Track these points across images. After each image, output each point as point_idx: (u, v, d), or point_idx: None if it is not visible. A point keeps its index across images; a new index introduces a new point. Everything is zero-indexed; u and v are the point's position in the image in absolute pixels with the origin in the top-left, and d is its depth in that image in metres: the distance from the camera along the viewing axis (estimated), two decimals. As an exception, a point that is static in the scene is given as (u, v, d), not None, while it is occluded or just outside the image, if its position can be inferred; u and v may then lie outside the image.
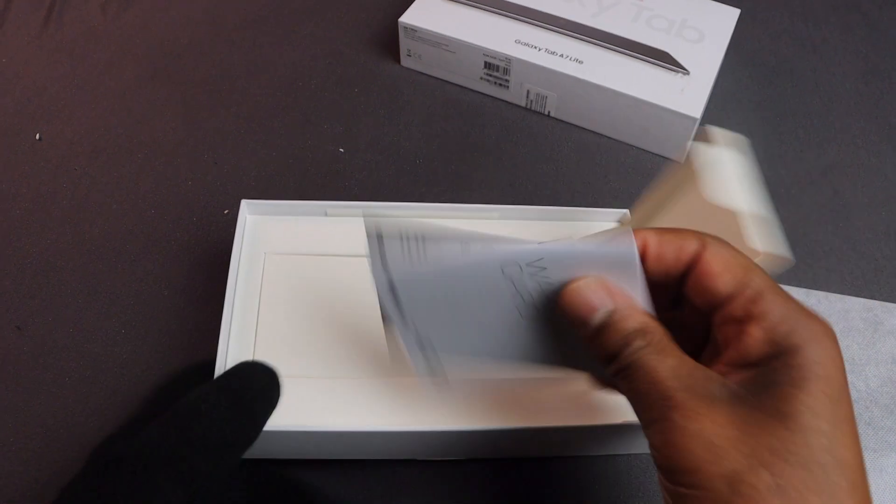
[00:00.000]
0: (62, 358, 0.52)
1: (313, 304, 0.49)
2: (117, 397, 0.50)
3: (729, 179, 0.36)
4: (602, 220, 0.53)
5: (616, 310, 0.28)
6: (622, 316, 0.28)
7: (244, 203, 0.51)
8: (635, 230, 0.30)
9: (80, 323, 0.54)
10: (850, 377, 0.50)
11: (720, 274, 0.28)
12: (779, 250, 0.33)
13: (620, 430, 0.44)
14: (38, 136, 0.66)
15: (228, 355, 0.45)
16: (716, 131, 0.39)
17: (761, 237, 0.33)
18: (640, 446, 0.48)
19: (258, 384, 0.36)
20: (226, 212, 0.60)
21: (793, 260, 0.33)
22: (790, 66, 0.72)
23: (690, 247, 0.29)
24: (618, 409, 0.45)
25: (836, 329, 0.54)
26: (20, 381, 0.51)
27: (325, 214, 0.52)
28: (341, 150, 0.65)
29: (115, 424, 0.49)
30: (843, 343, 0.51)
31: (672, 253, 0.29)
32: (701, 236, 0.30)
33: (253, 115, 0.67)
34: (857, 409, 0.49)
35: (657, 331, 0.28)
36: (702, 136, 0.40)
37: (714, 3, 0.71)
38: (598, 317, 0.28)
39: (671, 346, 0.28)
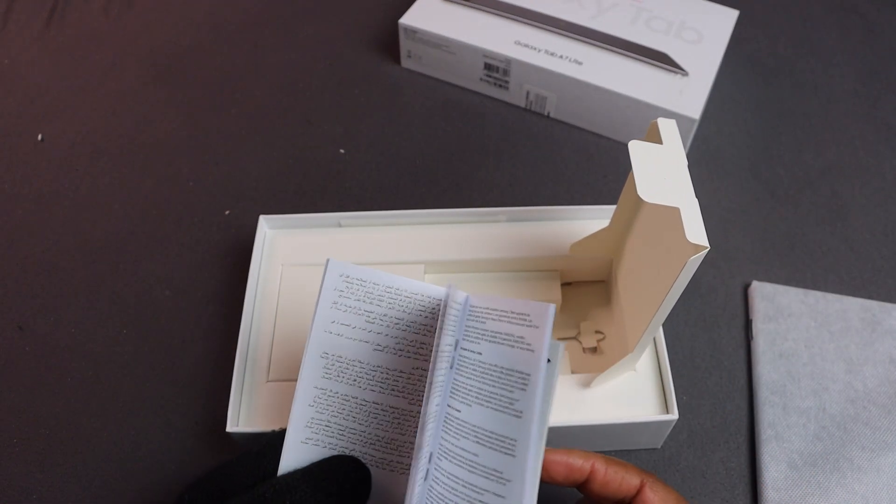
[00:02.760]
0: (64, 358, 0.52)
1: None
2: (119, 398, 0.50)
3: (661, 174, 0.37)
4: (600, 218, 0.53)
5: None
6: None
7: (262, 218, 0.53)
8: (587, 454, 0.35)
9: (81, 323, 0.54)
10: (847, 377, 0.51)
11: None
12: (705, 241, 0.34)
13: (621, 428, 0.45)
14: (40, 137, 0.66)
15: (247, 364, 0.47)
16: (662, 123, 0.39)
17: (692, 230, 0.34)
18: (640, 442, 0.48)
19: (349, 484, 0.35)
20: (227, 212, 0.60)
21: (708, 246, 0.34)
22: (789, 67, 0.73)
23: (633, 481, 0.35)
24: (617, 408, 0.45)
25: (834, 329, 0.54)
26: (22, 381, 0.51)
27: (339, 225, 0.53)
28: (342, 150, 0.65)
29: (116, 425, 0.49)
30: (840, 343, 0.52)
31: (616, 483, 0.35)
32: (642, 473, 0.35)
33: (254, 116, 0.68)
34: (855, 408, 0.49)
35: None
36: (649, 132, 0.41)
37: (713, 4, 0.71)
38: None
39: None
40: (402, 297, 0.37)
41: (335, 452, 0.36)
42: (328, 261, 0.37)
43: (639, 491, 0.35)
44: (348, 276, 0.37)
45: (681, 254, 0.35)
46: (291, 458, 0.35)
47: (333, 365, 0.36)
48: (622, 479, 0.35)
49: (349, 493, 0.34)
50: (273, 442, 0.36)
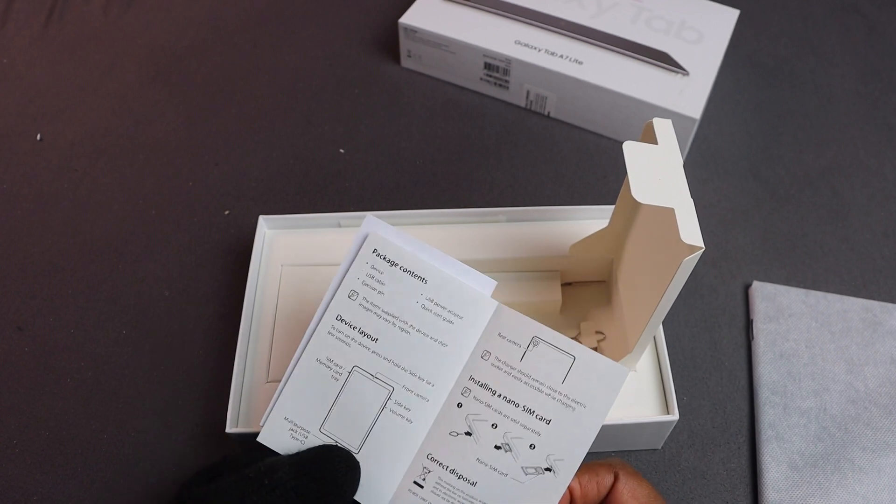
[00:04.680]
0: (63, 359, 0.52)
1: None
2: (118, 399, 0.50)
3: (655, 175, 0.36)
4: (600, 218, 0.53)
5: None
6: None
7: (262, 218, 0.53)
8: None
9: (80, 324, 0.54)
10: (848, 377, 0.51)
11: (628, 502, 0.34)
12: (699, 242, 0.34)
13: (621, 428, 0.45)
14: (39, 137, 0.66)
15: (247, 364, 0.48)
16: (657, 123, 0.39)
17: (687, 230, 0.34)
18: (640, 443, 0.48)
19: (334, 475, 0.34)
20: (226, 212, 0.60)
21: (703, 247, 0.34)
22: (789, 66, 0.73)
23: (606, 480, 0.35)
24: (617, 408, 0.45)
25: (835, 329, 0.54)
26: (22, 382, 0.51)
27: (339, 225, 0.53)
28: (342, 150, 0.65)
29: (116, 426, 0.49)
30: (841, 343, 0.52)
31: (594, 490, 0.35)
32: (613, 468, 0.35)
33: (254, 116, 0.68)
34: (856, 409, 0.49)
35: None
36: (644, 132, 0.40)
37: (713, 3, 0.71)
38: None
39: None
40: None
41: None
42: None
43: (612, 486, 0.35)
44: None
45: (676, 254, 0.35)
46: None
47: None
48: (597, 483, 0.35)
49: (332, 483, 0.34)
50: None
